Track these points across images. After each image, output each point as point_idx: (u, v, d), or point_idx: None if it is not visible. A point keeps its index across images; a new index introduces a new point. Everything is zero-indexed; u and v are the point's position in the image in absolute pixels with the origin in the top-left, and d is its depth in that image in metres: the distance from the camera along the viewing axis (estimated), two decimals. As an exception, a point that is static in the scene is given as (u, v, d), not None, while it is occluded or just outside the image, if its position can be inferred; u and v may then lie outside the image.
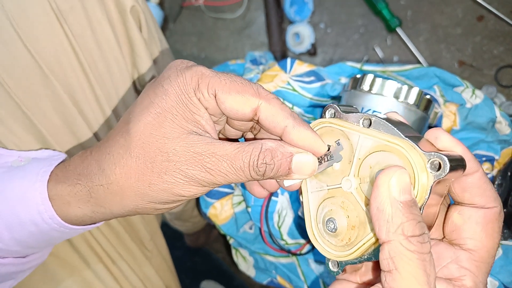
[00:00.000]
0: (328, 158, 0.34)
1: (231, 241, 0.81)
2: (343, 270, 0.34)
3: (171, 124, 0.32)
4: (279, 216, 0.71)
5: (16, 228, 0.37)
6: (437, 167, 0.28)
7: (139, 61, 0.59)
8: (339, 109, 0.35)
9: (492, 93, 0.99)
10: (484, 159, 0.68)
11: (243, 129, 0.38)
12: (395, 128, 0.31)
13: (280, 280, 0.78)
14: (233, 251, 0.84)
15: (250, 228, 0.77)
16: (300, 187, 0.37)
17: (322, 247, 0.35)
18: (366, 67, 0.76)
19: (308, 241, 0.71)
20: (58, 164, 0.39)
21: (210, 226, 1.17)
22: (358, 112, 0.34)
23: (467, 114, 0.69)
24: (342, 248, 0.33)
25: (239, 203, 0.76)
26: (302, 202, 0.37)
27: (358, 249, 0.32)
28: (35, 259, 0.44)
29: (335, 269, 0.34)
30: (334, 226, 0.33)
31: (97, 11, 0.50)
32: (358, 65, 0.76)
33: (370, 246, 0.31)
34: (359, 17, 1.10)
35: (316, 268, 0.73)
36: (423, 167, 0.29)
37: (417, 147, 0.29)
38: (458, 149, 0.31)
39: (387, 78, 0.61)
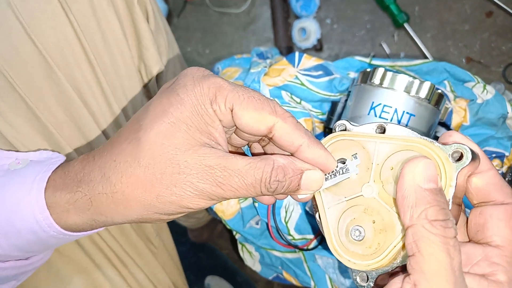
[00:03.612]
0: (344, 172, 0.35)
1: (237, 236, 0.81)
2: (374, 283, 0.33)
3: (184, 135, 0.31)
4: (286, 211, 0.70)
5: (12, 236, 0.36)
6: (459, 157, 0.29)
7: (146, 53, 0.57)
8: (349, 123, 0.35)
9: (500, 90, 0.98)
10: (494, 155, 0.67)
11: (251, 140, 0.38)
12: (411, 130, 0.32)
13: (286, 275, 0.77)
14: (239, 246, 0.83)
15: (257, 223, 0.76)
16: (316, 205, 0.37)
17: (348, 260, 0.33)
18: (375, 62, 0.75)
19: (316, 237, 0.70)
20: (56, 168, 0.37)
21: (214, 222, 1.16)
22: (368, 123, 0.35)
23: (478, 109, 0.68)
24: (371, 257, 0.32)
25: (246, 198, 0.75)
26: (319, 218, 0.36)
27: (389, 252, 0.31)
28: (38, 260, 0.43)
29: (364, 284, 0.33)
30: (360, 234, 0.33)
31: (102, 1, 0.49)
32: (366, 60, 0.75)
33: (402, 249, 0.31)
34: (366, 13, 1.10)
35: (323, 264, 0.72)
36: (446, 158, 0.29)
37: (436, 142, 0.30)
38: (472, 145, 0.32)
39: (398, 72, 0.61)
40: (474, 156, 0.29)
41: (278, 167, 0.31)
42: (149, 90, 0.61)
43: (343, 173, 0.35)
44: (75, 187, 0.34)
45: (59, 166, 0.38)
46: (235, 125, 0.33)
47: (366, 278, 0.33)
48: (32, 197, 0.34)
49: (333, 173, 0.35)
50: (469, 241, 0.33)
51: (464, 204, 0.35)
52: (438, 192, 0.28)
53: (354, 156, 0.34)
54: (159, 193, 0.31)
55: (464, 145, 0.29)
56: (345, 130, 0.36)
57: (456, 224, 0.31)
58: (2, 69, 0.42)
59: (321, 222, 0.36)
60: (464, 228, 0.34)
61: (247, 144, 0.40)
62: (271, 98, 0.33)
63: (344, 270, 0.70)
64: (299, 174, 0.32)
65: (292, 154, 0.34)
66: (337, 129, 0.36)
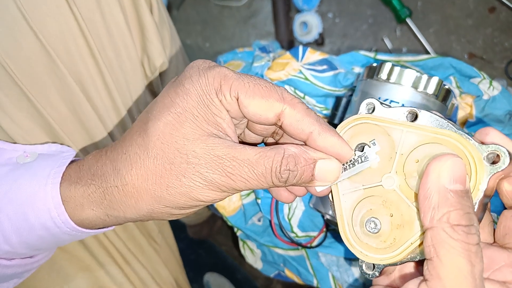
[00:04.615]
0: (363, 160, 0.32)
1: (238, 233, 0.80)
2: (380, 273, 0.31)
3: (192, 125, 0.30)
4: (289, 208, 0.69)
5: (25, 232, 0.35)
6: (493, 159, 0.27)
7: (150, 46, 0.56)
8: (379, 104, 0.33)
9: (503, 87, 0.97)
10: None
11: (264, 134, 0.36)
12: (447, 121, 0.29)
13: (288, 273, 0.76)
14: (241, 243, 0.82)
15: (259, 220, 0.75)
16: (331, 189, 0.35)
17: (360, 251, 0.32)
18: (380, 57, 0.74)
19: (319, 234, 0.69)
20: (71, 163, 0.37)
21: (213, 218, 1.15)
22: (399, 107, 0.32)
23: (484, 106, 0.67)
24: (385, 251, 0.31)
25: (248, 194, 0.74)
26: (333, 203, 0.34)
27: (405, 249, 0.30)
28: (42, 258, 0.42)
29: (369, 272, 0.32)
30: (376, 226, 0.31)
31: None
32: (371, 54, 0.74)
33: (418, 247, 0.30)
34: (368, 7, 1.08)
35: (326, 262, 0.71)
36: (480, 159, 0.27)
37: (472, 139, 0.28)
38: (510, 146, 0.29)
39: (405, 67, 0.59)
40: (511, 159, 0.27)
41: (289, 155, 0.30)
42: (152, 83, 0.60)
43: (362, 161, 0.32)
44: (89, 180, 0.33)
45: (73, 161, 0.37)
46: (243, 114, 0.32)
47: (372, 267, 0.32)
48: (48, 192, 0.34)
49: (352, 162, 0.33)
50: (494, 243, 0.32)
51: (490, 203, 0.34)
52: (464, 195, 0.26)
53: (373, 142, 0.32)
54: (168, 184, 0.30)
55: (503, 147, 0.27)
56: (373, 110, 0.33)
57: (479, 222, 0.30)
58: (3, 62, 0.41)
59: (333, 205, 0.34)
60: (488, 227, 0.32)
61: (263, 141, 0.38)
62: (279, 86, 0.32)
63: (348, 268, 0.69)
64: (311, 164, 0.31)
65: (305, 144, 0.33)
66: (365, 109, 0.34)
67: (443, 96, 0.59)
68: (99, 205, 0.33)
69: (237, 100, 0.31)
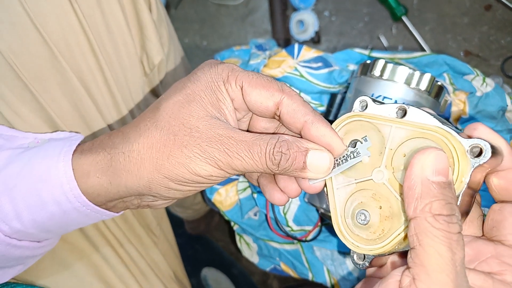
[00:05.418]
0: (355, 155, 0.34)
1: (235, 227, 0.81)
2: (370, 264, 0.33)
3: (198, 105, 0.34)
4: (285, 203, 0.70)
5: (37, 209, 0.37)
6: (477, 153, 0.28)
7: (148, 43, 0.57)
8: (372, 101, 0.34)
9: (498, 84, 0.98)
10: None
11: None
12: (433, 117, 0.30)
13: (283, 267, 0.77)
14: (237, 238, 0.83)
15: (255, 215, 0.76)
16: (325, 183, 0.36)
17: (351, 242, 0.34)
18: (374, 54, 0.75)
19: (314, 228, 0.70)
20: (83, 142, 0.39)
21: (210, 214, 1.16)
22: (390, 103, 0.34)
23: (477, 102, 0.68)
24: (375, 242, 0.32)
25: (244, 189, 0.75)
26: (327, 197, 0.36)
27: (393, 239, 0.31)
28: (47, 245, 0.43)
29: (360, 262, 0.33)
30: (365, 218, 0.33)
31: None
32: (366, 52, 0.75)
33: (404, 239, 0.31)
34: (364, 6, 1.09)
35: (321, 255, 0.72)
36: (463, 152, 0.28)
37: (456, 133, 0.29)
38: (497, 141, 0.30)
39: (398, 64, 0.60)
40: (495, 153, 0.28)
41: (283, 141, 0.33)
42: (150, 80, 0.61)
43: (354, 157, 0.34)
44: (100, 149, 0.36)
45: (85, 140, 0.40)
46: (245, 104, 0.35)
47: (363, 257, 0.33)
48: (60, 168, 0.36)
49: (344, 157, 0.34)
50: (482, 236, 0.33)
51: (480, 195, 0.35)
52: (446, 186, 0.27)
53: (364, 138, 0.34)
54: (170, 153, 0.33)
55: (485, 140, 0.28)
56: (366, 107, 0.35)
57: (467, 215, 0.31)
58: (8, 57, 0.43)
59: (328, 198, 0.36)
60: (478, 221, 0.33)
61: None
62: (275, 79, 0.35)
63: (342, 262, 0.70)
64: (304, 151, 0.33)
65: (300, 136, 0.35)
66: (358, 106, 0.35)
67: (436, 92, 0.60)
68: (104, 172, 0.36)
69: (241, 89, 0.34)
